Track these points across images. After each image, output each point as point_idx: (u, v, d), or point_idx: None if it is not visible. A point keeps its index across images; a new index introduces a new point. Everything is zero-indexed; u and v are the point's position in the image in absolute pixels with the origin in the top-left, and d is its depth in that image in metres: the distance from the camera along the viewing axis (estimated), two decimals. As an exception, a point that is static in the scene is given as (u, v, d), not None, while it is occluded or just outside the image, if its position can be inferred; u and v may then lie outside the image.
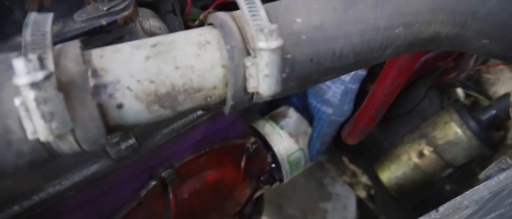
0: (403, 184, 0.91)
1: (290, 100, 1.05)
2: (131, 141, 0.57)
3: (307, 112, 0.99)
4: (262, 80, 0.32)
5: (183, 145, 0.66)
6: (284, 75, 0.33)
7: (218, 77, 0.33)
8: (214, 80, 0.33)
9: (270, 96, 0.34)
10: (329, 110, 0.87)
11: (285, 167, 0.95)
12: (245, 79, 0.32)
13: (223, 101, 0.34)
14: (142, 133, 0.60)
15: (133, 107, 0.31)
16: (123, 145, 0.56)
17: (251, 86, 0.32)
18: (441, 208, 0.54)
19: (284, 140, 0.94)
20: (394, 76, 0.61)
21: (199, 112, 0.64)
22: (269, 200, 1.83)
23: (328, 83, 0.86)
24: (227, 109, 0.34)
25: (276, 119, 0.98)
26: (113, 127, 0.32)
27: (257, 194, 1.00)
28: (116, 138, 0.52)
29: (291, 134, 0.95)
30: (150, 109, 0.32)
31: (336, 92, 0.85)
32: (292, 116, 0.98)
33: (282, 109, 1.02)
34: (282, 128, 0.95)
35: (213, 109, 0.62)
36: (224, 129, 0.71)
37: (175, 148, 0.66)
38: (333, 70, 0.36)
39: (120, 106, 0.30)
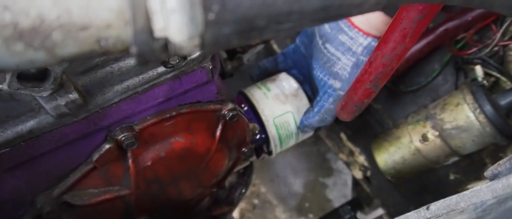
0: (401, 170, 0.81)
1: (290, 72, 0.94)
2: (72, 96, 0.48)
3: (310, 86, 0.89)
4: (170, 17, 0.22)
5: (143, 106, 0.58)
6: (212, 14, 0.23)
7: (112, 11, 0.23)
8: (106, 15, 0.23)
9: (191, 44, 0.24)
10: (337, 84, 0.76)
11: (271, 131, 0.86)
12: (148, 16, 0.22)
13: (127, 48, 0.25)
14: (88, 88, 0.52)
15: (-19, 43, 0.22)
16: (62, 101, 0.48)
17: (158, 27, 0.23)
18: (433, 207, 0.45)
19: (270, 101, 0.85)
20: (396, 41, 0.49)
21: (160, 69, 0.54)
22: (267, 171, 1.78)
23: (338, 54, 0.75)
24: (134, 59, 0.25)
25: (265, 83, 0.89)
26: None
27: (240, 166, 0.92)
28: (46, 91, 0.43)
29: (278, 95, 0.86)
30: (11, 49, 0.22)
31: (346, 65, 0.74)
32: (282, 79, 0.89)
33: (276, 74, 0.93)
34: (269, 89, 0.87)
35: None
36: (194, 91, 0.62)
37: (133, 109, 0.57)
38: (289, 16, 0.26)
39: (-41, 41, 0.21)
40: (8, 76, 0.39)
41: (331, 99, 0.78)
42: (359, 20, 0.74)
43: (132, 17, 0.22)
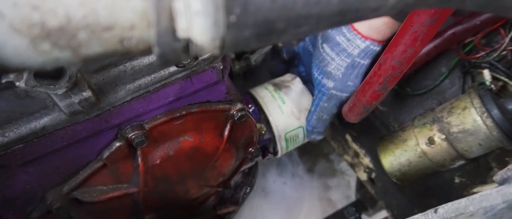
0: (407, 172, 0.81)
1: (297, 69, 0.95)
2: (86, 94, 0.49)
3: (312, 84, 0.89)
4: (194, 19, 0.22)
5: (153, 105, 0.58)
6: (233, 17, 0.24)
7: (136, 12, 0.23)
8: (131, 15, 0.23)
9: (212, 46, 0.24)
10: (330, 84, 0.77)
11: (281, 144, 0.87)
12: (172, 18, 0.23)
13: (149, 48, 0.25)
14: (101, 87, 0.52)
15: (10, 41, 0.22)
16: (76, 98, 0.49)
17: (181, 27, 0.23)
18: (441, 210, 0.45)
19: (285, 116, 0.85)
20: (406, 44, 0.50)
21: (171, 69, 0.55)
22: (270, 170, 1.78)
23: (332, 54, 0.75)
24: (156, 59, 0.25)
25: (278, 88, 0.88)
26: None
27: (246, 166, 0.93)
28: (61, 88, 0.44)
29: (293, 110, 0.86)
30: (38, 48, 0.23)
31: (340, 65, 0.74)
32: (297, 89, 0.88)
33: (286, 77, 0.92)
34: (284, 101, 0.86)
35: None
36: (204, 90, 0.62)
37: (144, 107, 0.58)
38: (308, 19, 0.26)
39: (-11, 39, 0.22)
40: (25, 74, 0.39)
41: (324, 98, 0.79)
42: (360, 22, 0.74)
43: (156, 18, 0.23)
